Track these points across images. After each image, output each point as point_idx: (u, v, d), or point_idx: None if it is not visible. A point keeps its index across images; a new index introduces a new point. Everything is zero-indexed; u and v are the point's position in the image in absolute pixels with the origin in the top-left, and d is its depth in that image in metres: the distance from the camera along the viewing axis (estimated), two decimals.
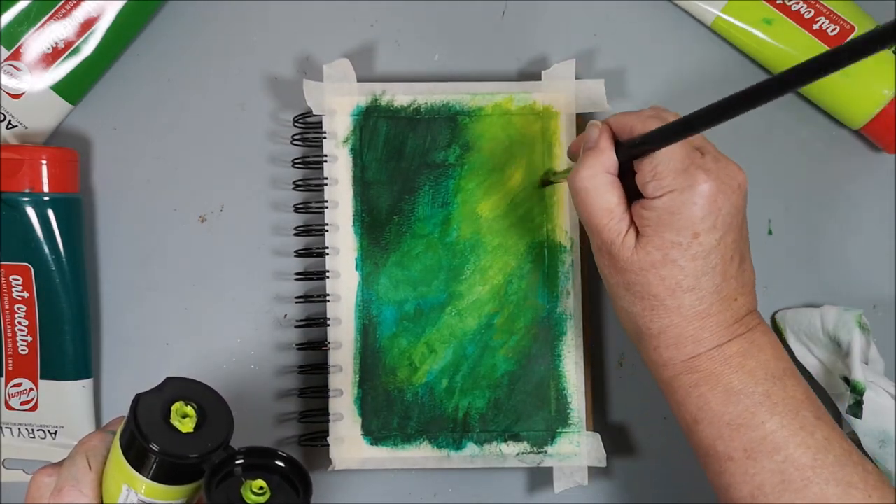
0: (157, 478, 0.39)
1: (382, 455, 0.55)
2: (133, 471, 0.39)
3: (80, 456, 0.41)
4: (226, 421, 0.40)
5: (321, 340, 0.56)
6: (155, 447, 0.38)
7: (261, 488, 0.38)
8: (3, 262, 0.54)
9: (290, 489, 0.39)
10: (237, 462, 0.39)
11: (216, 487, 0.38)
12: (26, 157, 0.53)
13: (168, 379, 0.40)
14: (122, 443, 0.40)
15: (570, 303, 0.56)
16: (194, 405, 0.39)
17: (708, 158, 0.46)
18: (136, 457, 0.39)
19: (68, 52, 0.55)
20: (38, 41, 0.55)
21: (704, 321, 0.46)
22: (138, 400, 0.39)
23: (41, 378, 0.55)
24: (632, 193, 0.47)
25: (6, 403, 0.55)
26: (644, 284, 0.46)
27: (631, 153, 0.47)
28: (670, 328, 0.47)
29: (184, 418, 0.39)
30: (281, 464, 0.39)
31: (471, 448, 0.55)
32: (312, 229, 0.56)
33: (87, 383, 0.55)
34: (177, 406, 0.39)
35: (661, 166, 0.45)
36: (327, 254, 0.56)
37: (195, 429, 0.39)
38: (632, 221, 0.47)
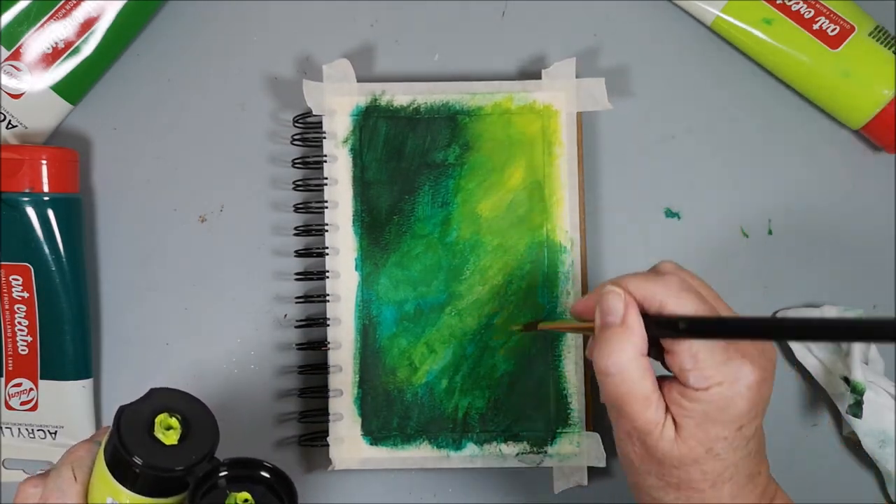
0: (141, 490, 0.39)
1: (382, 455, 0.55)
2: (117, 483, 0.39)
3: (65, 467, 0.41)
4: (211, 432, 0.39)
5: (321, 340, 0.56)
6: (138, 460, 0.38)
7: (245, 501, 0.38)
8: (3, 262, 0.54)
9: (275, 500, 0.39)
10: (221, 474, 0.39)
11: (201, 500, 0.38)
12: (26, 157, 0.53)
13: (152, 390, 0.40)
14: (107, 455, 0.39)
15: (570, 303, 0.56)
16: (179, 416, 0.39)
17: (745, 341, 0.42)
18: (121, 469, 0.39)
19: (68, 52, 0.55)
20: (38, 41, 0.55)
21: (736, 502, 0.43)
22: (122, 412, 0.38)
23: (41, 378, 0.55)
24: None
25: (6, 403, 0.55)
26: (683, 477, 0.42)
27: (666, 334, 0.42)
28: None
29: (168, 430, 0.39)
30: (266, 475, 0.39)
31: (470, 448, 0.55)
32: (312, 229, 0.56)
33: (87, 383, 0.55)
34: (161, 418, 0.39)
35: (703, 355, 0.41)
36: (327, 254, 0.56)
37: (179, 440, 0.39)
38: (667, 408, 0.42)
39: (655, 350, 0.43)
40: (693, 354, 0.41)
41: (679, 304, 0.42)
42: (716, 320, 0.42)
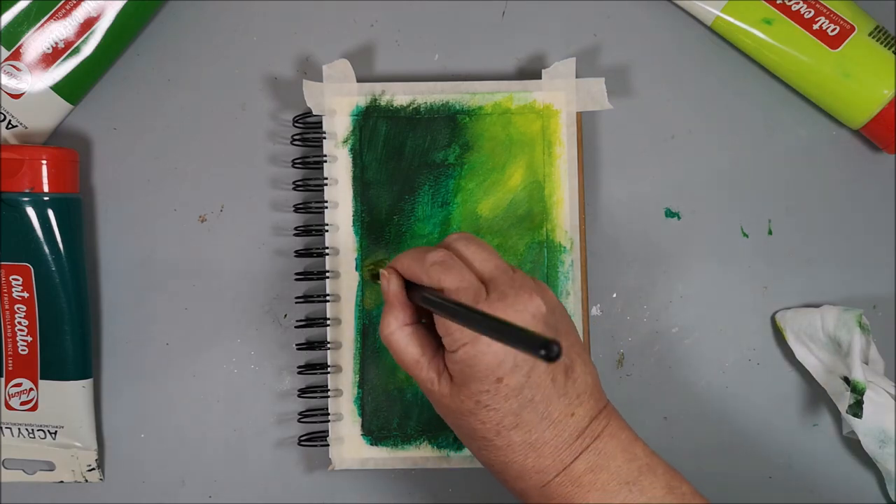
0: None
1: (382, 455, 0.55)
2: None
3: None
4: None
5: (321, 340, 0.56)
6: None
7: None
8: (3, 262, 0.54)
9: None
10: None
11: None
12: (26, 157, 0.53)
13: None
14: None
15: (570, 303, 0.56)
16: None
17: (493, 297, 0.44)
18: None
19: (68, 52, 0.55)
20: (38, 41, 0.55)
21: (541, 450, 0.45)
22: None
23: (41, 378, 0.55)
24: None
25: (6, 403, 0.55)
26: (468, 428, 0.46)
27: (421, 306, 0.46)
28: (510, 464, 0.46)
29: None
30: None
31: None
32: (312, 229, 0.56)
33: (87, 383, 0.55)
34: None
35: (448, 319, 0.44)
36: (327, 254, 0.56)
37: None
38: (444, 367, 0.46)
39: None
40: (442, 320, 0.45)
41: (428, 278, 0.45)
42: (430, 299, 0.44)
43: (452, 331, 0.44)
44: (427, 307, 0.45)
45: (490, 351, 0.44)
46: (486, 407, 0.45)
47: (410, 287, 0.47)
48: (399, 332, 0.47)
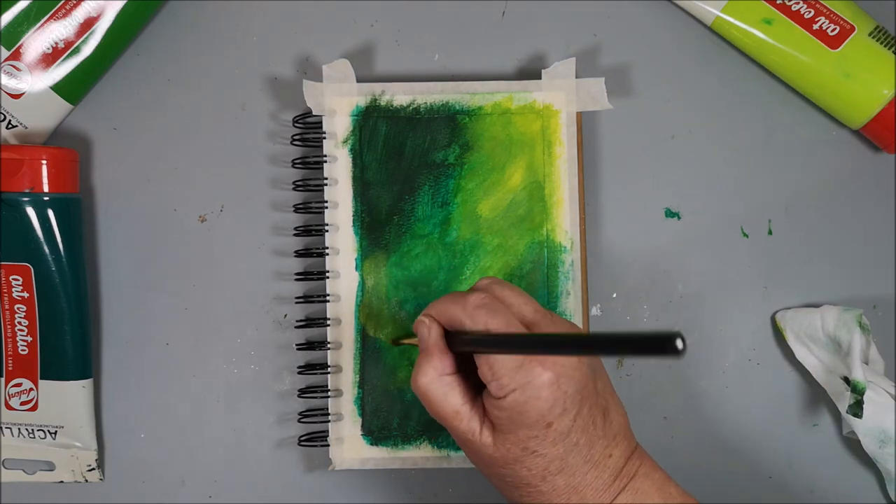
0: None
1: (382, 455, 0.55)
2: None
3: None
4: None
5: (321, 340, 0.56)
6: None
7: None
8: (3, 262, 0.54)
9: None
10: None
11: None
12: (26, 157, 0.53)
13: None
14: None
15: (570, 303, 0.56)
16: None
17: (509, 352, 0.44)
18: None
19: (68, 52, 0.55)
20: (38, 41, 0.55)
21: (583, 493, 0.45)
22: None
23: (41, 378, 0.55)
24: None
25: (6, 403, 0.55)
26: (513, 476, 0.45)
27: (464, 351, 0.45)
28: None
29: None
30: None
31: None
32: (312, 229, 0.56)
33: (87, 383, 0.55)
34: None
35: (497, 365, 0.44)
36: (327, 254, 0.56)
37: None
38: (484, 415, 0.45)
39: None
40: (490, 366, 0.44)
41: (472, 322, 0.45)
42: (480, 338, 0.44)
43: (500, 376, 0.43)
44: (484, 350, 0.44)
45: (542, 396, 0.43)
46: (533, 453, 0.44)
47: (447, 334, 0.46)
48: (438, 382, 0.46)
